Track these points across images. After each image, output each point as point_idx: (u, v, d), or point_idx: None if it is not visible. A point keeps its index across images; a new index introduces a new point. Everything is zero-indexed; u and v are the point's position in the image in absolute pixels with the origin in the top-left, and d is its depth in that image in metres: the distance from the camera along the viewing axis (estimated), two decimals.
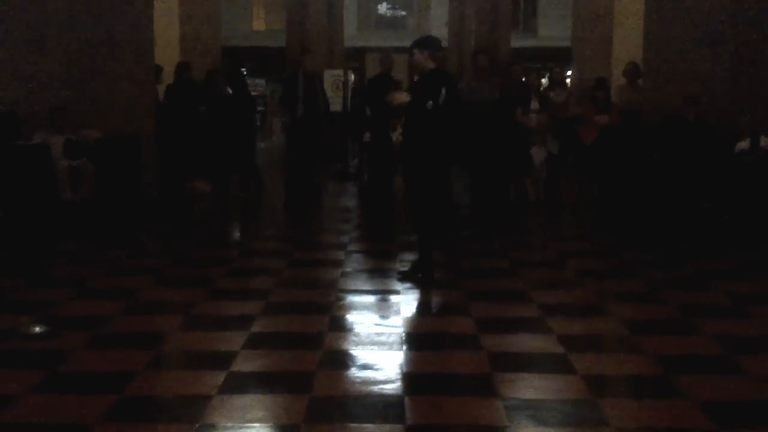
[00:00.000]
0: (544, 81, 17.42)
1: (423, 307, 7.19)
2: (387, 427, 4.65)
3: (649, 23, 12.58)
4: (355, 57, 21.80)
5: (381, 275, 8.07)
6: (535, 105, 12.61)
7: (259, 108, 22.13)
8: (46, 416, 4.78)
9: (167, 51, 16.32)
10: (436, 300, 7.39)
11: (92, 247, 9.43)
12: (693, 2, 11.72)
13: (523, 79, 14.14)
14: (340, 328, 6.57)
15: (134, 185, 11.49)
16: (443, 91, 7.53)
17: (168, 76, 14.80)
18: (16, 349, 5.90)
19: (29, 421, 4.72)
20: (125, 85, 11.77)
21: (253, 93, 17.63)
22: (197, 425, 4.62)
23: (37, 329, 6.20)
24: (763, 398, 5.10)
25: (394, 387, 5.20)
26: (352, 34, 28.97)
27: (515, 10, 28.72)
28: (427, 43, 7.78)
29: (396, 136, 8.19)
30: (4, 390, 5.13)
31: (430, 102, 7.45)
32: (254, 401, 5.05)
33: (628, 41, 16.61)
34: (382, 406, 4.93)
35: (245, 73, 16.15)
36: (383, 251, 9.24)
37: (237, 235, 11.29)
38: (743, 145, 10.62)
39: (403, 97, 7.46)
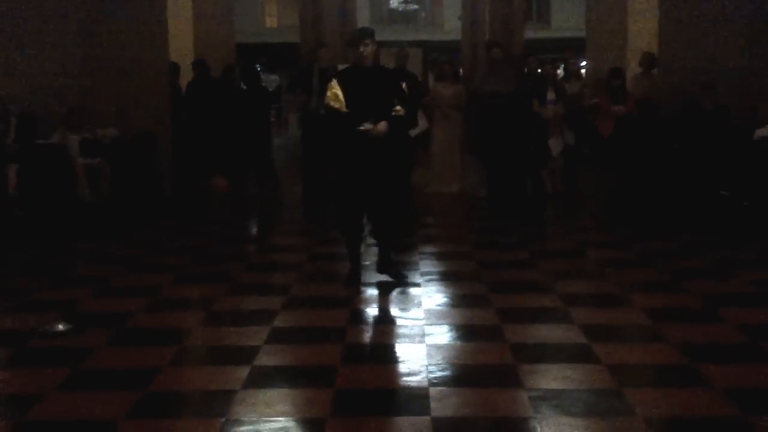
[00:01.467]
0: (559, 72, 17.32)
1: (444, 299, 7.17)
2: (413, 419, 4.65)
3: (663, 12, 12.52)
4: None
5: (401, 267, 8.03)
6: (551, 96, 12.55)
7: (274, 104, 22.10)
8: (72, 414, 4.80)
9: (181, 49, 16.33)
10: (457, 292, 7.37)
11: (111, 245, 9.46)
12: None
13: (539, 71, 14.11)
14: (362, 321, 6.58)
15: (151, 183, 11.52)
16: (403, 86, 7.47)
17: (185, 74, 14.79)
18: (39, 348, 5.94)
19: (55, 419, 4.75)
20: (141, 84, 11.80)
21: (269, 89, 17.59)
22: (222, 420, 4.64)
23: (60, 327, 6.22)
24: None
25: (418, 379, 5.20)
26: None
27: (528, 2, 28.62)
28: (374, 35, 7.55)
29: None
30: (29, 388, 5.16)
31: (399, 107, 7.34)
32: (279, 395, 5.06)
33: (642, 30, 16.53)
34: (407, 399, 4.93)
35: (259, 69, 16.18)
36: (403, 244, 9.20)
37: (255, 230, 11.29)
38: (762, 132, 10.54)
39: (381, 127, 7.29)
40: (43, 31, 10.85)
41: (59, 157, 10.37)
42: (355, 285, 7.42)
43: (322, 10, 17.49)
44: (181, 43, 16.61)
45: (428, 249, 8.95)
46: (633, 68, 15.39)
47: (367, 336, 6.21)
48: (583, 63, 19.25)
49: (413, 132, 11.37)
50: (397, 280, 7.49)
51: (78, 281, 7.91)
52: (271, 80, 28.92)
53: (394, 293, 7.30)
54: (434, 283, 7.63)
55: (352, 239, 7.63)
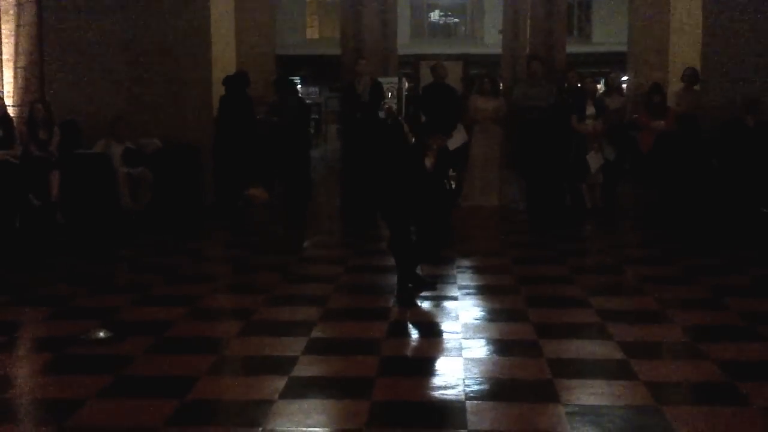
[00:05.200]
0: (600, 86, 17.23)
1: (482, 313, 7.16)
2: None
3: (707, 28, 12.43)
4: (409, 64, 21.92)
5: (439, 281, 8.03)
6: (590, 111, 12.49)
7: (313, 116, 22.17)
8: (112, 420, 4.85)
9: (223, 61, 16.46)
10: (495, 306, 7.36)
11: (152, 253, 9.54)
12: (753, 6, 11.57)
13: (579, 85, 14.06)
14: (399, 333, 6.58)
15: (192, 193, 11.62)
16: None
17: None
18: (80, 355, 6.00)
19: (95, 425, 4.80)
20: (184, 95, 11.92)
21: (307, 101, 17.67)
22: (259, 429, 4.66)
23: (101, 335, 6.29)
24: None
25: (455, 393, 5.19)
26: (405, 42, 29.01)
27: (570, 16, 28.49)
28: None
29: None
30: (70, 395, 5.22)
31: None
32: (316, 406, 5.08)
33: (684, 45, 16.44)
34: (444, 412, 4.93)
35: (297, 81, 16.16)
36: (441, 257, 9.19)
37: (294, 242, 11.33)
38: None
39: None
40: (89, 44, 11.01)
41: (102, 165, 10.51)
42: (411, 302, 7.36)
43: (362, 22, 17.51)
44: (224, 55, 16.74)
45: (466, 263, 8.94)
46: (674, 83, 15.30)
47: (405, 348, 6.21)
48: (624, 78, 19.14)
49: (452, 145, 11.39)
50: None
51: (119, 289, 8.00)
52: (310, 92, 29.10)
53: (432, 306, 7.31)
54: (472, 296, 7.63)
55: (408, 258, 7.65)
